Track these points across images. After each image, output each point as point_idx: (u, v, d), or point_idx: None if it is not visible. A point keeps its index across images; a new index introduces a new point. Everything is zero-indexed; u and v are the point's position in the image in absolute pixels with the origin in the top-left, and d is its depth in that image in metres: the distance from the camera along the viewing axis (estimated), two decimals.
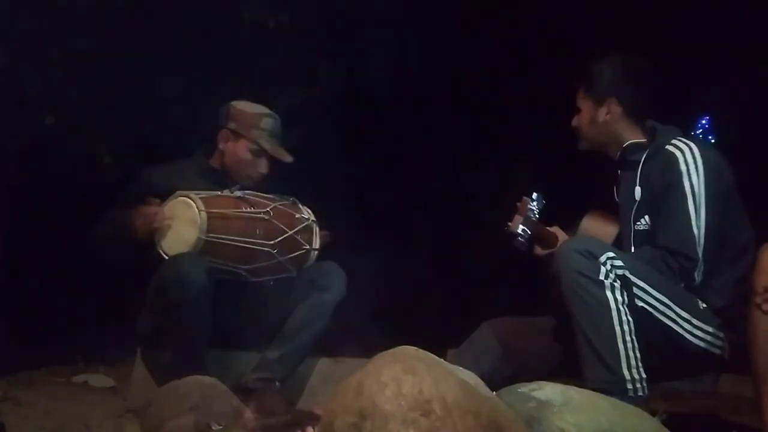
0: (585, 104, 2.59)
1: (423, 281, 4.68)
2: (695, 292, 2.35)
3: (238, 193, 2.64)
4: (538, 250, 2.62)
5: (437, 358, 1.60)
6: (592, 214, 2.68)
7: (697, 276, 2.33)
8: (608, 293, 2.22)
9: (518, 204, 2.56)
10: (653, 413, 1.87)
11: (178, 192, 2.58)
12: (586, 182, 3.05)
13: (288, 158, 2.85)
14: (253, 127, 2.81)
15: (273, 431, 1.95)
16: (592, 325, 2.22)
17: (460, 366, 1.64)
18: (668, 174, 2.39)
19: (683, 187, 2.35)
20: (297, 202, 2.80)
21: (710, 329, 2.32)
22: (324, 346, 2.87)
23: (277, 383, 2.61)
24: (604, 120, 2.56)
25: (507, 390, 1.79)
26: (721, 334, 2.33)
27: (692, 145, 2.41)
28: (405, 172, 4.75)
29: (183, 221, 2.53)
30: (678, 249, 2.32)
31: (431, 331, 3.07)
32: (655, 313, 2.27)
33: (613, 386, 2.16)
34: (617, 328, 2.21)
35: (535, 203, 2.57)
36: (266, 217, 2.64)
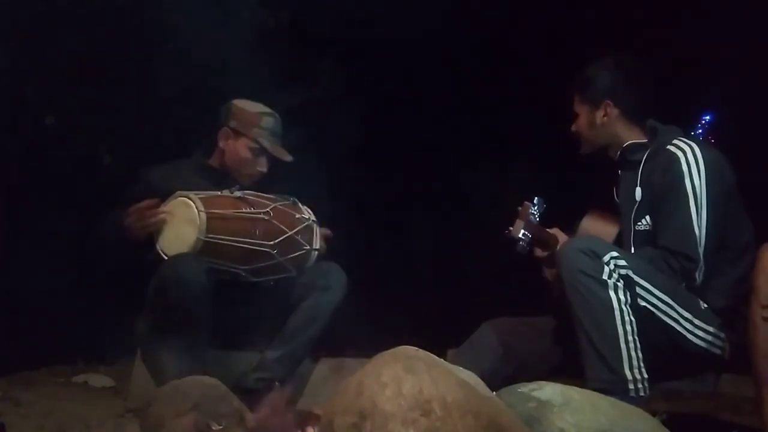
0: (582, 109, 2.60)
1: (423, 281, 4.68)
2: (696, 293, 2.35)
3: (237, 194, 2.64)
4: (539, 252, 2.62)
5: (437, 358, 1.60)
6: (591, 214, 2.68)
7: (699, 276, 2.33)
8: (611, 293, 2.22)
9: (519, 209, 2.57)
10: (653, 413, 1.87)
11: (178, 192, 2.58)
12: (585, 182, 3.05)
13: (288, 157, 2.85)
14: (253, 125, 2.81)
15: (273, 431, 1.95)
16: (594, 324, 2.22)
17: (460, 366, 1.64)
18: (669, 174, 2.39)
19: (684, 187, 2.35)
20: (297, 202, 2.80)
21: (711, 329, 2.32)
22: (324, 346, 2.86)
23: (277, 383, 2.61)
24: (602, 122, 2.57)
25: (507, 390, 1.79)
26: (722, 335, 2.33)
27: (693, 145, 2.42)
28: (405, 172, 4.75)
29: (183, 221, 2.53)
30: (679, 249, 2.33)
31: (431, 331, 3.07)
32: (658, 313, 2.27)
33: (614, 386, 2.16)
34: (620, 328, 2.21)
35: (536, 208, 2.57)
36: (266, 218, 2.64)
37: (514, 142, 4.42)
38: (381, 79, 4.37)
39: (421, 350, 1.60)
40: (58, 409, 2.68)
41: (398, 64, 4.36)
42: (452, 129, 4.73)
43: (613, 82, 2.56)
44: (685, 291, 2.34)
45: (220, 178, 2.80)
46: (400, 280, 4.38)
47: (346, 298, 2.79)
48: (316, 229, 2.78)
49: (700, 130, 3.15)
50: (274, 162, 2.86)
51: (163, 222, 2.55)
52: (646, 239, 2.44)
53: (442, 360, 1.60)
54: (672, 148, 2.43)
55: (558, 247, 2.51)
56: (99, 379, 3.31)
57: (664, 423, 1.83)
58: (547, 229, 2.59)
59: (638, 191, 2.48)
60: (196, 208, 2.50)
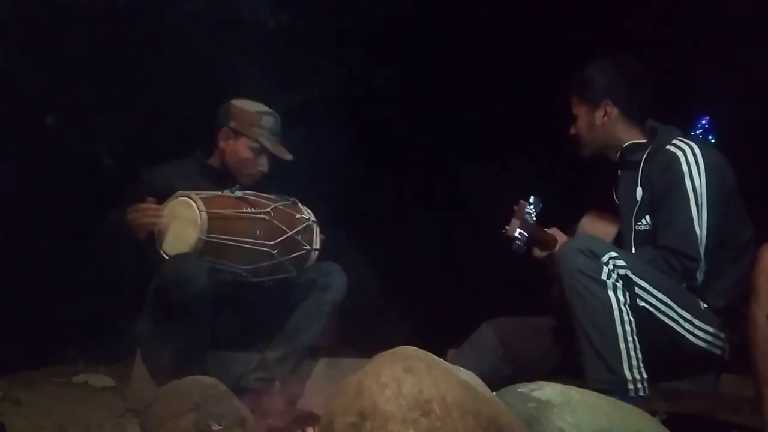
0: (581, 110, 2.60)
1: (423, 281, 4.68)
2: (696, 293, 2.35)
3: (238, 194, 2.64)
4: (537, 252, 2.62)
5: (437, 358, 1.59)
6: (590, 214, 2.68)
7: (700, 276, 2.33)
8: (610, 293, 2.22)
9: (515, 207, 2.57)
10: (653, 413, 1.87)
11: (179, 192, 2.58)
12: (585, 182, 3.05)
13: (288, 156, 2.86)
14: (253, 125, 2.81)
15: (273, 431, 1.95)
16: (593, 324, 2.22)
17: (460, 366, 1.64)
18: (669, 174, 2.39)
19: (685, 187, 2.35)
20: (297, 202, 2.80)
21: (711, 329, 2.32)
22: (324, 346, 2.87)
23: (277, 383, 2.61)
24: (602, 123, 2.56)
25: (507, 390, 1.79)
26: (722, 335, 2.33)
27: (693, 145, 2.42)
28: (405, 172, 4.75)
29: (183, 221, 2.53)
30: (680, 249, 2.33)
31: (431, 331, 3.07)
32: (657, 313, 2.27)
33: (614, 386, 2.16)
34: (619, 328, 2.21)
35: (532, 206, 2.57)
36: (266, 218, 2.64)
37: (514, 142, 4.42)
38: (381, 79, 4.37)
39: (421, 350, 1.60)
40: (58, 409, 2.68)
41: (398, 64, 4.37)
42: (452, 129, 4.73)
43: (612, 82, 2.56)
44: (684, 291, 2.33)
45: (221, 178, 2.80)
46: (400, 280, 4.38)
47: (346, 298, 2.79)
48: (316, 230, 2.78)
49: (699, 131, 3.15)
50: (274, 161, 2.86)
51: (164, 223, 2.55)
52: (647, 239, 2.44)
53: (442, 360, 1.60)
54: (672, 147, 2.43)
55: (557, 247, 2.51)
56: (99, 379, 3.31)
57: (664, 423, 1.82)
58: (546, 229, 2.59)
59: (638, 191, 2.48)
60: (197, 207, 2.50)
